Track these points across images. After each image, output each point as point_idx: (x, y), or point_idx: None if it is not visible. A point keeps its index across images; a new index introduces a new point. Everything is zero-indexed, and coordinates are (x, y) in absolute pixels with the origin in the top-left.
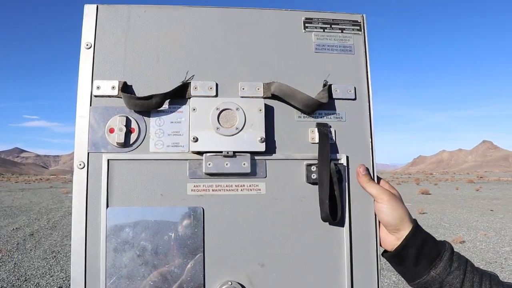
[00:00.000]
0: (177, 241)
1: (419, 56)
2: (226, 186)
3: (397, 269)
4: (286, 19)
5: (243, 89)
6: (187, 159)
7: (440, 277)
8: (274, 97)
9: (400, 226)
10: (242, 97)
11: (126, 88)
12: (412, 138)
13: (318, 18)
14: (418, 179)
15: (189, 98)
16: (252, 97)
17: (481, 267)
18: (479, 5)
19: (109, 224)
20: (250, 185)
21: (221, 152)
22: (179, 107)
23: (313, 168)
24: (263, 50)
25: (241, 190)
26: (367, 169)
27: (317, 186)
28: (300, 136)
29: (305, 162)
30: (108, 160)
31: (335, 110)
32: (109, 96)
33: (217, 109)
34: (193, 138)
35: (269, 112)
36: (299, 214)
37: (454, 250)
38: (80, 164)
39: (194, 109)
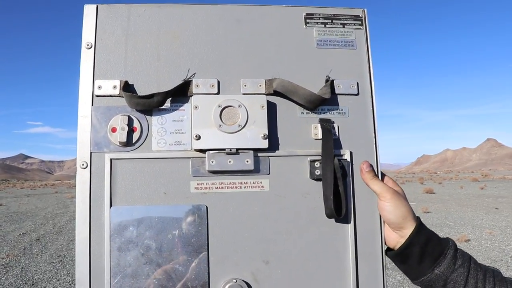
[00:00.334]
0: (181, 239)
1: (419, 55)
2: (230, 183)
3: (401, 268)
4: (287, 15)
5: (245, 86)
6: (190, 157)
7: (444, 275)
8: (276, 93)
9: (403, 224)
10: (244, 94)
11: (127, 87)
12: (415, 137)
13: (319, 14)
14: (422, 178)
15: (191, 96)
16: (254, 94)
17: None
18: (480, 3)
19: (112, 223)
20: (253, 182)
21: (224, 149)
22: (181, 105)
23: (317, 164)
24: (264, 46)
25: (245, 187)
26: (371, 166)
27: (321, 182)
28: (303, 132)
29: (309, 158)
30: (110, 159)
31: (338, 105)
32: (110, 96)
33: (219, 106)
34: (196, 136)
35: (271, 109)
36: (303, 211)
37: (458, 247)
38: (83, 164)
39: (196, 107)
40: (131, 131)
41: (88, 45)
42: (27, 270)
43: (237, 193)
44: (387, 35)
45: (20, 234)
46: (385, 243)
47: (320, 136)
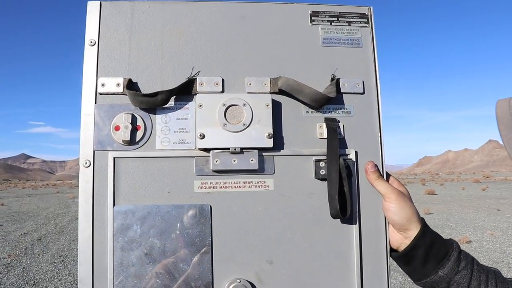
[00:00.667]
0: (184, 239)
1: (421, 56)
2: (234, 183)
3: (404, 269)
4: (292, 12)
5: (249, 84)
6: (194, 156)
7: (448, 277)
8: (281, 92)
9: (407, 225)
10: (249, 92)
11: (131, 85)
12: (416, 139)
13: (324, 11)
14: (424, 180)
15: (195, 94)
16: (259, 93)
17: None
18: (482, 4)
19: (115, 222)
20: (258, 182)
21: (228, 148)
22: (185, 104)
23: (322, 164)
24: (269, 44)
25: (249, 186)
26: (376, 166)
27: (325, 182)
28: (308, 131)
29: (314, 158)
30: (114, 158)
31: (343, 104)
32: (114, 94)
33: (224, 105)
34: (200, 135)
35: (276, 108)
36: (307, 211)
37: (461, 248)
38: (86, 163)
39: (200, 106)
40: (134, 129)
41: (91, 42)
42: (29, 270)
43: (241, 192)
44: (389, 35)
45: (21, 234)
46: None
47: (325, 136)
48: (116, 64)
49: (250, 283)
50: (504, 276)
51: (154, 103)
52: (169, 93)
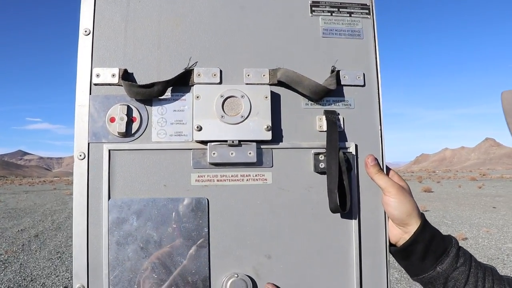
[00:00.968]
0: (181, 233)
1: (419, 54)
2: (231, 176)
3: (402, 264)
4: (292, 2)
5: (248, 75)
6: (191, 149)
7: (446, 273)
8: (280, 83)
9: (407, 220)
10: (247, 84)
11: (126, 76)
12: (414, 137)
13: (325, 2)
14: (421, 177)
15: (192, 85)
16: (258, 84)
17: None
18: (481, 2)
19: (111, 216)
20: (256, 175)
21: (226, 141)
22: (182, 95)
23: (321, 157)
24: (268, 35)
25: (247, 180)
26: (376, 160)
27: (325, 176)
28: (307, 124)
29: (313, 151)
30: (109, 150)
31: (344, 97)
32: (109, 84)
33: (222, 96)
34: (197, 127)
35: (275, 100)
36: (306, 205)
37: (460, 245)
38: (80, 155)
39: (197, 97)
40: (130, 121)
41: (86, 31)
42: (26, 266)
43: (239, 186)
44: (386, 33)
45: (18, 230)
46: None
47: (324, 128)
48: (111, 54)
49: (249, 277)
50: (500, 274)
51: (150, 94)
52: (166, 84)
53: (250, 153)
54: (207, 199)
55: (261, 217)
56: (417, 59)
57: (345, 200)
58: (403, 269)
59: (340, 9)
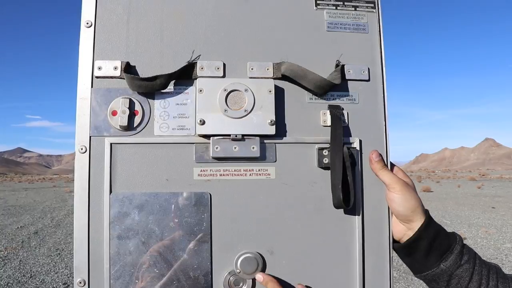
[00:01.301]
0: (183, 228)
1: (419, 54)
2: (234, 170)
3: (405, 260)
4: None
5: (252, 69)
6: (194, 143)
7: (450, 270)
8: (284, 77)
9: (412, 217)
10: (251, 77)
11: (129, 69)
12: (413, 137)
13: None
14: (420, 177)
15: (195, 79)
16: (262, 78)
17: None
18: (480, 2)
19: (112, 210)
20: (259, 170)
21: (229, 135)
22: (185, 89)
23: (325, 152)
24: (272, 28)
25: (250, 174)
26: (380, 155)
27: (328, 171)
28: (311, 118)
29: (317, 146)
30: (111, 144)
31: (348, 91)
32: (111, 77)
33: (225, 90)
34: (200, 121)
35: (279, 94)
36: (309, 200)
37: (464, 242)
38: (81, 149)
39: (200, 91)
40: (132, 114)
41: (87, 23)
42: (25, 263)
43: (242, 180)
44: (386, 32)
45: (18, 227)
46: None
47: (329, 123)
48: (113, 47)
49: (261, 255)
50: (505, 272)
51: (153, 88)
52: (168, 77)
53: (253, 148)
54: (210, 194)
55: (264, 212)
56: (417, 58)
57: (349, 196)
58: (401, 269)
59: (345, 3)
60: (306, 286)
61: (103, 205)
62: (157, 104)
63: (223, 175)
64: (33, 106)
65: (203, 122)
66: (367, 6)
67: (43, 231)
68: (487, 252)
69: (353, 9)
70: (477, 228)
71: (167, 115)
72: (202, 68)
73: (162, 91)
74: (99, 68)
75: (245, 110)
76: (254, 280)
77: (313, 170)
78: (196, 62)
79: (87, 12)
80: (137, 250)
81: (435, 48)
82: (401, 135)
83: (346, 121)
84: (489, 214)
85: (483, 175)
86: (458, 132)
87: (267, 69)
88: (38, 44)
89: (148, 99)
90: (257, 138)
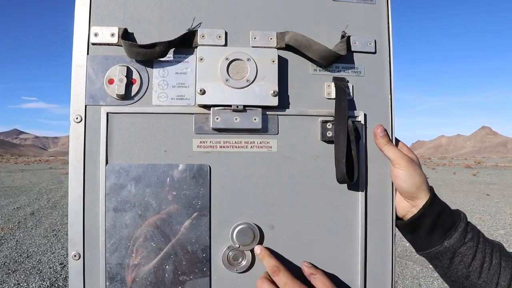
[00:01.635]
0: (181, 201)
1: (417, 40)
2: (235, 142)
3: (408, 238)
4: None
5: (254, 38)
6: (193, 113)
7: (453, 248)
8: (288, 47)
9: (416, 193)
10: (253, 47)
11: (127, 36)
12: (410, 123)
13: None
14: None
15: (196, 47)
16: (265, 47)
17: None
18: None
19: (108, 181)
20: (260, 142)
21: (230, 106)
22: (185, 57)
23: (329, 125)
24: None
25: (251, 147)
26: (385, 130)
27: (332, 145)
28: (315, 90)
29: (320, 119)
30: (107, 113)
31: (354, 63)
32: (108, 44)
33: (227, 59)
34: (200, 91)
35: (282, 64)
36: (312, 174)
37: (468, 220)
38: (77, 118)
39: (201, 59)
40: (129, 83)
41: None
42: (22, 243)
43: (242, 153)
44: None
45: (14, 208)
46: None
47: (333, 96)
48: (110, 12)
49: (258, 226)
50: (508, 251)
51: (152, 55)
52: (168, 45)
53: (255, 119)
54: (209, 166)
55: (265, 186)
56: (415, 44)
57: (353, 171)
58: (395, 253)
59: None
60: (310, 263)
61: (99, 177)
62: (156, 73)
63: (223, 147)
64: (29, 87)
65: (203, 92)
66: None
67: (40, 212)
68: None
69: None
70: (472, 215)
71: (166, 84)
72: (203, 36)
73: (161, 59)
74: (96, 35)
75: (247, 80)
76: (254, 256)
77: (316, 144)
78: (197, 30)
79: None
80: (134, 223)
81: (435, 33)
82: (397, 121)
83: (351, 94)
84: (483, 201)
85: (478, 163)
86: (455, 119)
87: (271, 39)
88: (35, 25)
89: (147, 68)
90: (259, 109)
